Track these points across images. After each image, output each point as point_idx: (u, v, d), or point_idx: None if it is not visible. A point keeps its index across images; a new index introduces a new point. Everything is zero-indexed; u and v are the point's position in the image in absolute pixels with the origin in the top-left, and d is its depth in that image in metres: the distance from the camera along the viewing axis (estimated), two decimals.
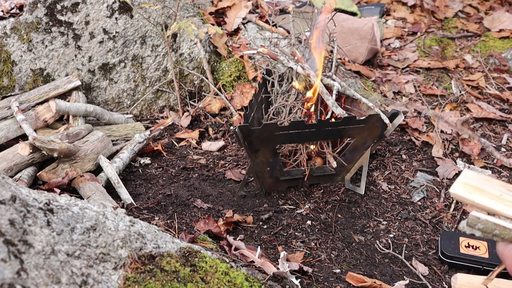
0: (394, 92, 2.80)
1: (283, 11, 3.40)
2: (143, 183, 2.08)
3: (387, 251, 1.75)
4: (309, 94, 1.92)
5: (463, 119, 2.43)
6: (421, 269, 1.67)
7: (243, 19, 3.00)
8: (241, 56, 2.72)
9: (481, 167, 2.25)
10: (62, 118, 2.44)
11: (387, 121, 1.81)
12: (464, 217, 1.94)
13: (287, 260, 1.55)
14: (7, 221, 0.86)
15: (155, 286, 1.01)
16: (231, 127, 2.51)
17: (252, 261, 1.44)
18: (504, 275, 1.53)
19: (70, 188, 1.94)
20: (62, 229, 0.96)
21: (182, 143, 2.45)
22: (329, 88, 1.99)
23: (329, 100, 1.86)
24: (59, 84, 2.51)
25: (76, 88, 2.55)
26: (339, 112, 1.79)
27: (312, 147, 2.03)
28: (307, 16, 2.83)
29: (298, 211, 1.93)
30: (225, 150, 2.37)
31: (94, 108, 2.42)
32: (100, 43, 2.60)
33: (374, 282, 1.54)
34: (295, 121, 1.76)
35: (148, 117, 2.71)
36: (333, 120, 1.86)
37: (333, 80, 2.00)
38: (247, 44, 2.79)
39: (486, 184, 0.81)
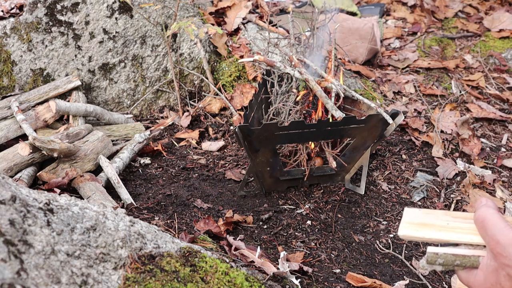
0: (394, 92, 2.80)
1: (283, 11, 3.40)
2: (143, 183, 2.08)
3: (387, 251, 1.75)
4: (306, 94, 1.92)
5: (463, 119, 2.43)
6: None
7: (243, 19, 3.00)
8: (241, 56, 2.72)
9: (481, 167, 2.25)
10: (62, 118, 2.44)
11: (390, 120, 1.81)
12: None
13: (287, 260, 1.55)
14: (7, 221, 0.86)
15: (155, 286, 1.01)
16: (231, 127, 2.51)
17: (252, 261, 1.44)
18: None
19: (70, 188, 1.93)
20: (62, 229, 0.96)
21: (182, 143, 2.45)
22: (328, 91, 1.99)
23: (329, 104, 1.86)
24: (59, 84, 2.51)
25: (76, 88, 2.55)
26: (339, 115, 1.79)
27: (312, 145, 2.03)
28: (307, 16, 2.83)
29: (298, 211, 1.93)
30: (225, 150, 2.37)
31: (94, 108, 2.42)
32: (100, 43, 2.60)
33: (374, 282, 1.54)
34: (295, 121, 1.76)
35: (148, 117, 2.71)
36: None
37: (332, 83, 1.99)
38: (247, 44, 2.79)
39: (429, 217, 0.80)
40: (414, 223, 0.79)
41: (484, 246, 0.74)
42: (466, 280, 0.77)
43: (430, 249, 0.78)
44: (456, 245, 0.78)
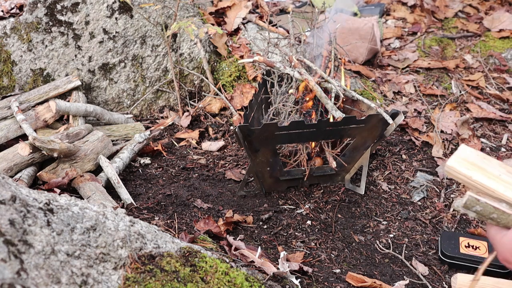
0: (394, 92, 2.80)
1: (283, 11, 3.40)
2: (143, 183, 2.08)
3: (387, 251, 1.75)
4: (306, 95, 1.92)
5: (463, 119, 2.43)
6: (421, 269, 1.67)
7: (243, 19, 3.00)
8: (241, 56, 2.72)
9: None
10: (62, 118, 2.44)
11: (390, 120, 1.81)
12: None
13: (287, 260, 1.55)
14: (7, 221, 0.86)
15: (155, 286, 1.01)
16: (231, 127, 2.51)
17: (252, 261, 1.44)
18: (505, 275, 1.53)
19: (70, 188, 1.93)
20: (62, 229, 0.96)
21: (182, 143, 2.45)
22: (328, 91, 1.99)
23: (328, 104, 1.86)
24: (59, 84, 2.51)
25: (76, 88, 2.55)
26: (339, 115, 1.79)
27: (312, 145, 2.03)
28: (307, 16, 2.83)
29: (298, 211, 1.93)
30: (225, 150, 2.37)
31: (94, 108, 2.42)
32: (100, 43, 2.60)
33: (374, 282, 1.54)
34: (295, 121, 1.76)
35: (148, 117, 2.71)
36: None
37: (331, 82, 1.99)
38: (247, 44, 2.79)
39: (485, 162, 0.75)
40: (468, 161, 0.75)
41: None
42: (493, 237, 0.76)
43: (471, 193, 0.74)
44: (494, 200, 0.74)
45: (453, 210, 0.75)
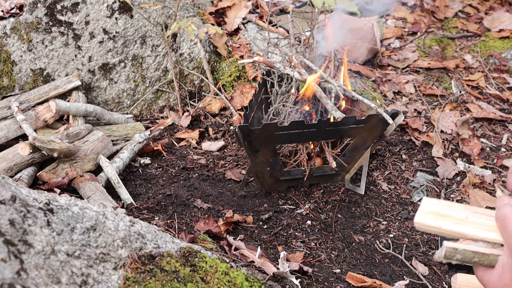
0: (394, 92, 2.80)
1: (283, 11, 3.40)
2: (143, 183, 2.08)
3: (387, 251, 1.75)
4: (305, 93, 1.92)
5: (463, 119, 2.43)
6: (421, 269, 1.67)
7: (243, 19, 3.00)
8: (241, 56, 2.72)
9: (481, 167, 2.25)
10: (62, 118, 2.44)
11: (390, 120, 1.81)
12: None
13: (287, 260, 1.55)
14: (7, 221, 0.86)
15: (155, 286, 1.01)
16: (231, 127, 2.51)
17: (252, 261, 1.44)
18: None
19: (70, 188, 1.93)
20: (62, 229, 0.96)
21: (182, 143, 2.45)
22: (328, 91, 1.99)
23: (328, 104, 1.86)
24: (59, 84, 2.51)
25: (76, 88, 2.55)
26: (339, 115, 1.79)
27: (312, 145, 2.03)
28: (307, 16, 2.83)
29: (298, 211, 1.93)
30: (225, 150, 2.37)
31: (94, 108, 2.42)
32: (100, 43, 2.60)
33: (374, 282, 1.54)
34: (295, 121, 1.76)
35: (148, 117, 2.71)
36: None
37: (330, 83, 1.99)
38: (247, 44, 2.79)
39: (448, 209, 0.78)
40: (432, 213, 0.77)
41: (502, 245, 0.74)
42: (481, 278, 0.78)
43: (448, 243, 0.76)
44: (465, 241, 0.77)
45: (434, 258, 0.76)
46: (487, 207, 1.82)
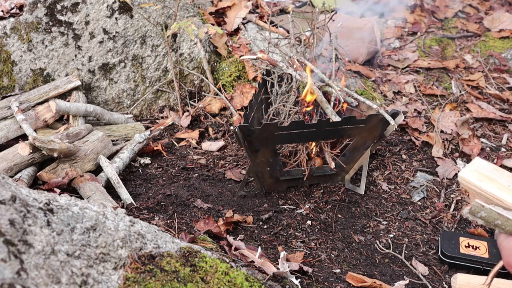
0: (394, 92, 2.80)
1: (283, 11, 3.40)
2: (143, 183, 2.08)
3: (387, 251, 1.75)
4: (308, 97, 1.92)
5: (463, 119, 2.43)
6: (421, 269, 1.67)
7: (243, 19, 3.00)
8: (241, 56, 2.72)
9: None
10: (62, 118, 2.44)
11: (392, 121, 1.81)
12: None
13: (287, 260, 1.55)
14: (7, 221, 0.86)
15: (155, 286, 1.01)
16: (231, 127, 2.51)
17: (252, 261, 1.44)
18: (504, 275, 1.53)
19: (70, 188, 1.94)
20: (62, 229, 0.96)
21: (182, 143, 2.45)
22: (328, 94, 1.99)
23: (328, 109, 1.86)
24: (59, 84, 2.51)
25: (76, 88, 2.55)
26: (338, 120, 1.80)
27: (312, 145, 2.03)
28: (307, 16, 2.83)
29: (298, 211, 1.93)
30: (225, 150, 2.37)
31: (94, 108, 2.43)
32: (100, 43, 2.60)
33: (374, 282, 1.54)
34: (295, 121, 1.76)
35: (148, 117, 2.71)
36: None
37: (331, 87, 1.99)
38: (247, 44, 2.79)
39: (496, 174, 0.79)
40: (479, 172, 0.79)
41: None
42: (500, 243, 0.79)
43: (477, 200, 0.78)
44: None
45: (462, 216, 0.79)
46: None
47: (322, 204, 1.98)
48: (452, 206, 2.00)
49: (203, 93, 2.73)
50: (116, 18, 2.59)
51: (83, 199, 1.81)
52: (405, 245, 1.79)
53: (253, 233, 1.79)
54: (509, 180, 0.79)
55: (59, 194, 1.78)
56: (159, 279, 1.03)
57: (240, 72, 2.70)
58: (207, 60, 2.69)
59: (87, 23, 2.57)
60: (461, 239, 1.71)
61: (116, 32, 2.60)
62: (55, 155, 1.93)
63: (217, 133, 2.51)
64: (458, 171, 2.19)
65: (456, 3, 3.83)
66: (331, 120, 1.84)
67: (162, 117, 2.69)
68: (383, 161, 2.24)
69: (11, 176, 1.92)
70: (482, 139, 2.44)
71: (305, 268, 1.53)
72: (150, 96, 2.71)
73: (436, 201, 2.02)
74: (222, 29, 2.80)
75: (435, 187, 2.09)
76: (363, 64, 3.02)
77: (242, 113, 2.49)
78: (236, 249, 1.55)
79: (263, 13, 3.19)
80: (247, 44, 2.80)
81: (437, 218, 1.93)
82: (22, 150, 1.93)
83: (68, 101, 2.49)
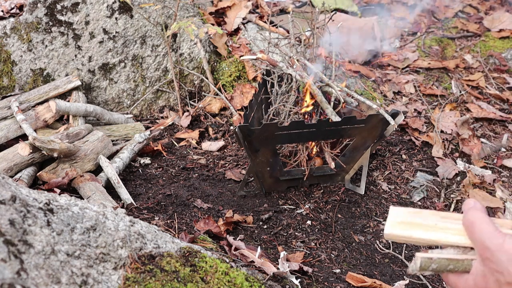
0: (394, 92, 2.80)
1: (283, 11, 3.40)
2: (143, 183, 2.08)
3: (387, 251, 1.75)
4: (307, 99, 1.92)
5: (463, 119, 2.43)
6: None
7: (243, 19, 3.00)
8: (241, 56, 2.72)
9: (481, 167, 2.25)
10: (62, 118, 2.44)
11: (392, 121, 1.81)
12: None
13: (287, 260, 1.55)
14: (7, 221, 0.86)
15: (155, 286, 1.01)
16: (231, 127, 2.51)
17: (252, 261, 1.44)
18: None
19: (70, 188, 1.93)
20: (62, 229, 0.96)
21: (182, 143, 2.45)
22: (328, 94, 1.99)
23: (328, 109, 1.86)
24: (59, 84, 2.51)
25: (76, 88, 2.55)
26: (338, 120, 1.80)
27: (312, 145, 2.03)
28: (307, 16, 2.83)
29: (298, 211, 1.93)
30: (225, 150, 2.37)
31: (94, 108, 2.42)
32: (100, 43, 2.60)
33: (374, 282, 1.54)
34: (295, 121, 1.76)
35: (148, 117, 2.71)
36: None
37: (332, 87, 1.99)
38: (247, 44, 2.79)
39: (417, 217, 0.76)
40: (401, 222, 0.76)
41: (473, 249, 0.72)
42: (455, 284, 0.75)
43: (421, 254, 0.74)
44: (441, 247, 0.75)
45: (408, 272, 0.73)
46: (487, 207, 1.82)
47: (322, 204, 1.98)
48: (452, 206, 2.00)
49: (203, 93, 2.73)
50: (116, 18, 2.59)
51: (83, 199, 1.81)
52: (405, 245, 1.79)
53: (253, 233, 1.79)
54: (433, 219, 0.76)
55: (59, 194, 1.78)
56: (159, 279, 1.03)
57: (240, 72, 2.70)
58: (207, 60, 2.69)
59: (87, 23, 2.57)
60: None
61: (116, 32, 2.60)
62: (55, 155, 1.93)
63: (217, 133, 2.51)
64: (458, 171, 2.19)
65: (456, 3, 3.83)
66: (331, 120, 1.84)
67: (162, 117, 2.69)
68: (383, 161, 2.24)
69: (11, 176, 1.92)
70: (482, 139, 2.44)
71: (305, 268, 1.53)
72: (150, 96, 2.71)
73: (436, 201, 2.02)
74: (222, 29, 2.80)
75: (435, 187, 2.09)
76: (363, 64, 3.02)
77: (242, 113, 2.49)
78: (236, 249, 1.55)
79: (263, 13, 3.19)
80: (247, 44, 2.80)
81: None
82: (22, 150, 1.93)
83: (68, 101, 2.49)
